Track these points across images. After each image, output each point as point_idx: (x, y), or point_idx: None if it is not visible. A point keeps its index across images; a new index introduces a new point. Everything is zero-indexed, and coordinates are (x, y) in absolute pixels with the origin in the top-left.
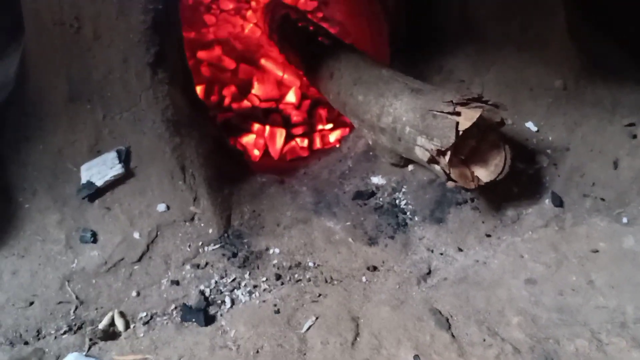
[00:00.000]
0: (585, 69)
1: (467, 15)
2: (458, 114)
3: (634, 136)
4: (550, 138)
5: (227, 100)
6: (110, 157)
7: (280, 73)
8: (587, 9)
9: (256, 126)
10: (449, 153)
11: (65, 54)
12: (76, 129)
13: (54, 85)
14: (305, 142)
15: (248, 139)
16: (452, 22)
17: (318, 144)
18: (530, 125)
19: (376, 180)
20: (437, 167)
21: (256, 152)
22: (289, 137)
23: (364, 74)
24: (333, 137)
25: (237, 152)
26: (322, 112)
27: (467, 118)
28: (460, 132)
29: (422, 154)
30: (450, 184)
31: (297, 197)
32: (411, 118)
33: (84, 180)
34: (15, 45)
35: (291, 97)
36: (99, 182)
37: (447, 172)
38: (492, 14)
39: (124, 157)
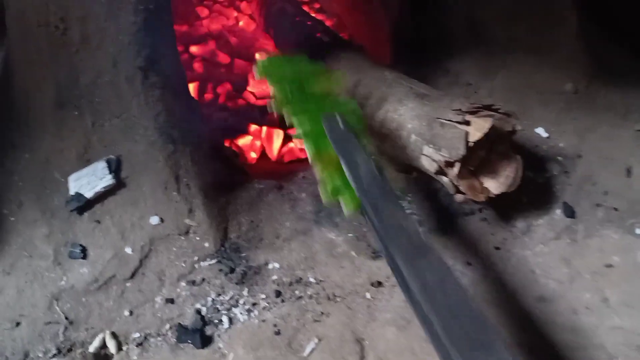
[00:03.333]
0: (596, 72)
1: (474, 17)
2: (467, 123)
3: None
4: (561, 145)
5: (221, 98)
6: (100, 166)
7: None
8: (597, 13)
9: (253, 127)
10: (458, 165)
11: (51, 57)
12: (64, 137)
13: (40, 90)
14: None
15: (244, 141)
16: (458, 23)
17: None
18: (541, 131)
19: None
20: (444, 179)
21: (253, 155)
22: (287, 138)
23: (366, 75)
24: None
25: (233, 156)
26: None
27: (478, 128)
28: (471, 144)
29: (429, 165)
30: (458, 197)
31: (297, 205)
32: (417, 126)
33: (72, 192)
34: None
35: None
36: (88, 194)
37: (456, 184)
38: (499, 17)
39: (115, 167)
